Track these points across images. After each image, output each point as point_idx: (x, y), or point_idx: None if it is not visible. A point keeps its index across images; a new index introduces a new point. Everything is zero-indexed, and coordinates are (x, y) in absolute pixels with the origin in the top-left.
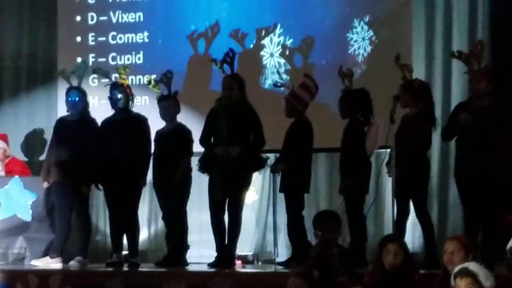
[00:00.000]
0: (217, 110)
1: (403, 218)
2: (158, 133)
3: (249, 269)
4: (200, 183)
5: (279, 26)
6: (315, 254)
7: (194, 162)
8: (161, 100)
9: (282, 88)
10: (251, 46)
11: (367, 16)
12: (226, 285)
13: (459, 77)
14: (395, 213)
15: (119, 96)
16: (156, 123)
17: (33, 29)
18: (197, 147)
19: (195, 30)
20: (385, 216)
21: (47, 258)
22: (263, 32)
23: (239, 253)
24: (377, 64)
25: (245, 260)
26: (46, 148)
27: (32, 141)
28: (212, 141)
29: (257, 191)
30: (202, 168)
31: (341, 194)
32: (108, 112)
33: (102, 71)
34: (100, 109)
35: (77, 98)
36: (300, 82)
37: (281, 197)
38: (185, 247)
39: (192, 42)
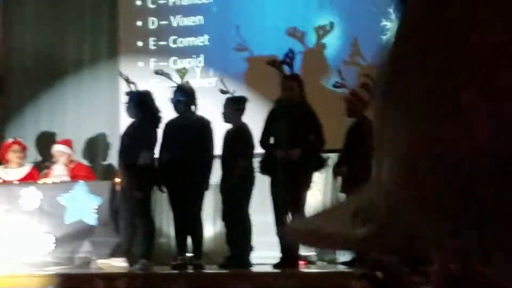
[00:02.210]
0: (277, 111)
1: None
2: (225, 133)
3: (313, 269)
4: (263, 184)
5: (336, 24)
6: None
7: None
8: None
9: (341, 89)
10: (313, 45)
11: None
12: (290, 286)
13: None
14: None
15: (182, 98)
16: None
17: (95, 35)
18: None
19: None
20: None
21: (113, 258)
22: (321, 31)
23: (303, 254)
24: None
25: (308, 260)
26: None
27: (95, 146)
28: (271, 142)
29: (321, 191)
30: (263, 170)
31: None
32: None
33: (162, 72)
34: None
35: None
36: (360, 82)
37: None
38: (249, 248)
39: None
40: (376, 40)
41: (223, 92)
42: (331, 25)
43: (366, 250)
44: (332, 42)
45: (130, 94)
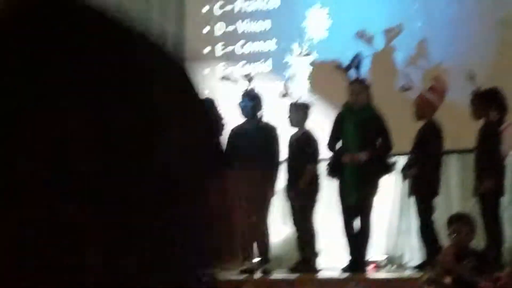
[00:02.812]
0: (344, 115)
1: None
2: (290, 138)
3: (381, 274)
4: (332, 188)
5: (404, 26)
6: (447, 258)
7: (322, 168)
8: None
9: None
10: (381, 48)
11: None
12: None
13: None
14: None
15: (249, 104)
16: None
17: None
18: (325, 153)
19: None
20: None
21: None
22: (390, 33)
23: (373, 258)
24: (507, 63)
25: (378, 264)
26: None
27: None
28: (339, 145)
29: (389, 196)
30: (331, 173)
31: (476, 197)
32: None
33: (229, 77)
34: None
35: None
36: (429, 84)
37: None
38: (315, 253)
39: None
40: (444, 41)
41: (283, 95)
42: (400, 27)
43: None
44: (401, 45)
45: None
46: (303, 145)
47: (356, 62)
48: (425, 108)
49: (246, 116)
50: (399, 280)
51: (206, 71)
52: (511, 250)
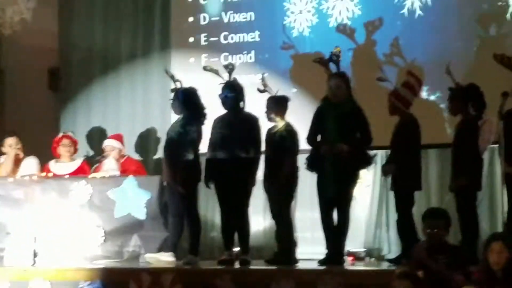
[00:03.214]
0: (324, 109)
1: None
2: (267, 132)
3: (358, 267)
4: (311, 181)
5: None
6: (421, 252)
7: (302, 160)
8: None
9: (385, 83)
10: (362, 41)
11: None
12: (334, 283)
13: None
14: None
15: (230, 94)
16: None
17: (147, 30)
18: (305, 146)
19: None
20: (499, 214)
21: (161, 253)
22: (370, 27)
23: (351, 250)
24: (485, 59)
25: (356, 256)
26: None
27: (147, 140)
28: (319, 139)
29: (370, 188)
30: (310, 167)
31: (452, 192)
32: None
33: (211, 68)
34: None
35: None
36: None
37: (392, 194)
38: (293, 245)
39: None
40: (421, 37)
41: (260, 91)
42: (380, 21)
43: None
44: (380, 40)
45: (176, 91)
46: (282, 138)
47: (335, 56)
48: (398, 103)
49: (227, 108)
50: (376, 273)
51: (191, 60)
52: None
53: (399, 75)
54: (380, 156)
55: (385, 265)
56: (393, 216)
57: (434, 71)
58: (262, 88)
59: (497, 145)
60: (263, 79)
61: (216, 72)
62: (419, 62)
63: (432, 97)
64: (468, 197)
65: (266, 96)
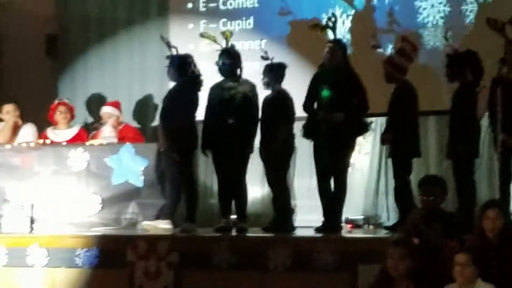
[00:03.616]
0: (320, 75)
1: (506, 181)
2: (264, 99)
3: (354, 234)
4: (309, 149)
5: None
6: (416, 220)
7: (299, 128)
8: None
9: (380, 50)
10: (362, 7)
11: None
12: (330, 250)
13: None
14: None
15: (227, 62)
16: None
17: None
18: (301, 113)
19: None
20: (496, 181)
21: (158, 220)
22: None
23: (350, 217)
24: (483, 25)
25: (355, 224)
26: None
27: (145, 107)
28: (315, 106)
29: (368, 156)
30: (306, 134)
31: (450, 159)
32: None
33: (208, 35)
34: (211, 75)
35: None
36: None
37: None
38: (290, 212)
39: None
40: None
41: (264, 58)
42: None
43: None
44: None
45: (171, 57)
46: (277, 106)
47: (331, 22)
48: (393, 70)
49: (224, 75)
50: (372, 240)
51: (190, 26)
52: None
53: (396, 42)
54: (379, 123)
55: (383, 233)
56: (392, 183)
57: (431, 37)
58: (265, 55)
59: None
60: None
61: (213, 39)
62: (416, 28)
63: (431, 63)
64: (465, 164)
65: (263, 63)
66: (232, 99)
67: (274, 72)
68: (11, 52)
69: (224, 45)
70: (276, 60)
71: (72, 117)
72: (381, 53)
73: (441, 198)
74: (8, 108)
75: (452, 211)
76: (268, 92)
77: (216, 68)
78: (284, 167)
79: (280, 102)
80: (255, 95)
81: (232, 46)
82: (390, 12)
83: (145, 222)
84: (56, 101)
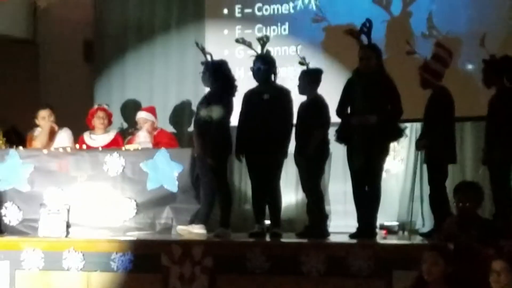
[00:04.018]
0: (354, 81)
1: None
2: (300, 105)
3: (389, 241)
4: (343, 154)
5: None
6: (452, 226)
7: (333, 133)
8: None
9: (417, 55)
10: (398, 13)
11: None
12: (365, 256)
13: None
14: None
15: (262, 67)
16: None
17: (181, 2)
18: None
19: None
20: None
21: (192, 225)
22: None
23: (385, 223)
24: None
25: (390, 230)
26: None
27: (181, 112)
28: (349, 111)
29: (403, 161)
30: (340, 139)
31: (485, 165)
32: (252, 83)
33: (243, 40)
34: (246, 80)
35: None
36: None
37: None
38: (324, 217)
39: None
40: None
41: (301, 63)
42: None
43: None
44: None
45: (206, 63)
46: (312, 112)
47: (365, 28)
48: (428, 76)
49: (258, 80)
50: (408, 246)
51: (225, 32)
52: None
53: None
54: (414, 129)
55: (418, 239)
56: (427, 189)
57: (469, 43)
58: (303, 61)
59: None
60: (297, 51)
61: (249, 44)
62: (454, 34)
63: (469, 69)
64: (502, 170)
65: (298, 68)
66: (266, 105)
67: (310, 78)
68: (49, 57)
69: (259, 51)
70: (310, 65)
71: (110, 123)
72: (417, 58)
73: (477, 204)
74: (44, 113)
75: (489, 218)
76: (303, 97)
77: (250, 74)
78: (319, 173)
79: (315, 107)
80: (289, 101)
81: (267, 52)
82: (429, 17)
83: (180, 227)
84: (95, 106)
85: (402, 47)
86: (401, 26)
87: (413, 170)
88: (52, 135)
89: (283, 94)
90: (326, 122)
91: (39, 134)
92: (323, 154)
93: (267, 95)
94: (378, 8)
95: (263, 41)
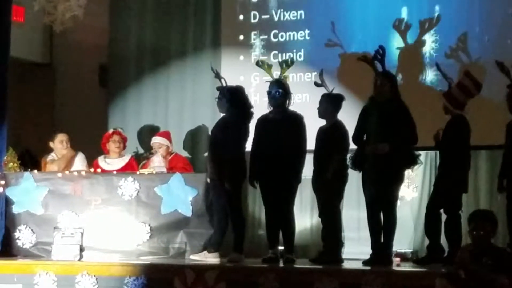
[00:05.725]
0: (369, 108)
1: None
2: (319, 129)
3: (402, 268)
4: (358, 180)
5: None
6: (465, 255)
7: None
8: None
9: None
10: (413, 41)
11: None
12: (378, 283)
13: None
14: None
15: (280, 91)
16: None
17: (198, 27)
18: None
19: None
20: None
21: (205, 252)
22: (427, 24)
23: (398, 250)
24: None
25: (404, 257)
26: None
27: (196, 137)
28: (364, 138)
29: (417, 189)
30: (354, 165)
31: (501, 193)
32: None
33: (262, 63)
34: (261, 106)
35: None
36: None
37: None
38: (339, 244)
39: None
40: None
41: (317, 85)
42: (438, 18)
43: None
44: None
45: (222, 89)
46: (333, 137)
47: (379, 55)
48: (448, 104)
49: (273, 105)
50: (422, 273)
51: (241, 58)
52: None
53: (459, 72)
54: (429, 156)
55: (430, 267)
56: (442, 217)
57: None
58: (319, 82)
59: None
60: (321, 74)
61: (269, 67)
62: (482, 60)
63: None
64: None
65: (317, 94)
66: (279, 131)
67: (331, 103)
68: (65, 81)
69: (275, 76)
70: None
71: (124, 147)
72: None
73: (492, 233)
74: (62, 137)
75: (503, 247)
76: (323, 121)
77: (265, 100)
78: (336, 198)
79: (335, 133)
80: (302, 127)
81: (284, 78)
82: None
83: (193, 256)
84: (111, 130)
85: (415, 75)
86: (415, 54)
87: (427, 196)
88: (69, 160)
89: (297, 120)
90: (346, 148)
91: (59, 160)
92: (342, 179)
93: (279, 118)
94: (394, 35)
95: (287, 64)
